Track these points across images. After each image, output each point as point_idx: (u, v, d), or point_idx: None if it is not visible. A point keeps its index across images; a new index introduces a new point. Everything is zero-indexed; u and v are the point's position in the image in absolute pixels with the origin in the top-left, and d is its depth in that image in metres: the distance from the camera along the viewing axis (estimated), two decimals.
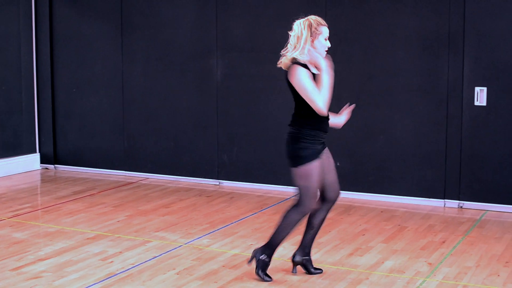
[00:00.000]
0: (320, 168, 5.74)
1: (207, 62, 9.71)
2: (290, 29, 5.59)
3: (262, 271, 5.93)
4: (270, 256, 5.94)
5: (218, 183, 9.79)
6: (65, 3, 10.65)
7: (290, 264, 6.18)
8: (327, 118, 5.77)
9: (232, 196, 9.14)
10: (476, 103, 8.33)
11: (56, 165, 10.98)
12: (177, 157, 10.07)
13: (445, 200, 8.57)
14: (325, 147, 5.86)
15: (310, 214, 5.96)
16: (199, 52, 9.77)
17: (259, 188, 9.48)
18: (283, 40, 9.12)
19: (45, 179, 10.37)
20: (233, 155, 9.68)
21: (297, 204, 5.78)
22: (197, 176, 9.92)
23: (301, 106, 5.69)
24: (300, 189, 5.74)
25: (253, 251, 5.99)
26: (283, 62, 5.76)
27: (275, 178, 9.42)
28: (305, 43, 5.66)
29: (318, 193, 5.88)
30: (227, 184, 9.73)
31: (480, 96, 8.31)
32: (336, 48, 8.85)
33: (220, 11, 9.56)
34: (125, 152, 10.41)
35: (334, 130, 8.87)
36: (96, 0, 10.40)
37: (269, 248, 5.92)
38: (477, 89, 8.31)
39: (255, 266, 5.96)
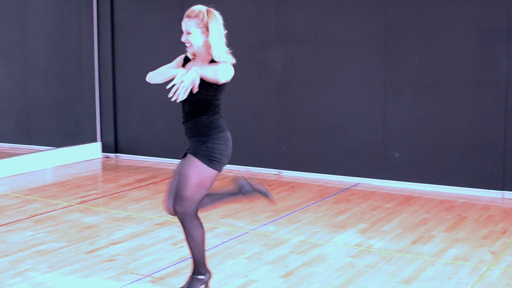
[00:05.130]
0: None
1: (267, 54, 9.87)
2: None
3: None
4: None
5: (278, 173, 9.96)
6: None
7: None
8: (185, 117, 5.41)
9: (292, 185, 9.30)
10: None
11: (117, 154, 11.24)
12: (237, 147, 10.16)
13: (504, 191, 8.65)
14: (191, 150, 5.50)
15: None
16: (259, 44, 9.93)
17: (319, 178, 9.63)
18: (341, 33, 9.35)
19: (107, 167, 10.63)
20: (292, 145, 9.83)
21: None
22: (256, 165, 10.10)
23: None
24: None
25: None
26: None
27: (334, 168, 9.56)
28: None
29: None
30: (287, 174, 9.89)
31: None
32: (395, 41, 8.99)
33: (280, 3, 9.71)
34: (185, 141, 10.58)
35: (395, 122, 9.03)
36: None
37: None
38: None
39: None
